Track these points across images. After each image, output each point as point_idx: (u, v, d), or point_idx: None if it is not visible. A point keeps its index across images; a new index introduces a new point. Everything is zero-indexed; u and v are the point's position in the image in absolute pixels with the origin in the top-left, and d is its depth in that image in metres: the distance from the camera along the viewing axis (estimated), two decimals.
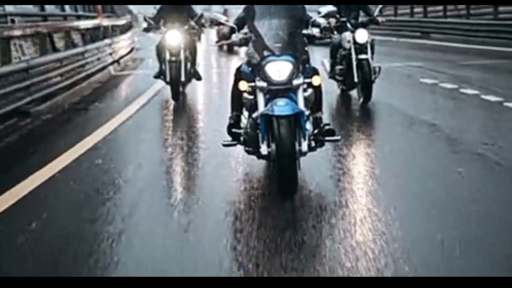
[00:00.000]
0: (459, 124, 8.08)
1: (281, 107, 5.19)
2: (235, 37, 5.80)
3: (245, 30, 5.78)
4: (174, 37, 10.30)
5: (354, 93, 9.85)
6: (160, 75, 10.74)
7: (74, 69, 12.00)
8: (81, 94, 11.59)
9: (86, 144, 7.20)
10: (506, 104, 8.95)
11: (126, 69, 16.62)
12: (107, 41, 16.23)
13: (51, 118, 9.26)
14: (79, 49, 13.28)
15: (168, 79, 10.38)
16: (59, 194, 5.58)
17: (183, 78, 10.38)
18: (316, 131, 5.70)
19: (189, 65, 10.64)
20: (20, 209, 5.08)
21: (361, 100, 9.55)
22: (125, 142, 7.90)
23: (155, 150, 7.29)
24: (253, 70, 5.54)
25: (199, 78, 11.14)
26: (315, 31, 5.77)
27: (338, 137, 5.93)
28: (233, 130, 5.85)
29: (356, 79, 9.41)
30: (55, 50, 12.62)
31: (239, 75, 5.69)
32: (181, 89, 10.62)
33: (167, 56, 10.35)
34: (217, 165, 6.33)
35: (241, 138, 5.77)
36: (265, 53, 5.40)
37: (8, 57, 9.94)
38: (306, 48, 5.65)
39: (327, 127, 5.77)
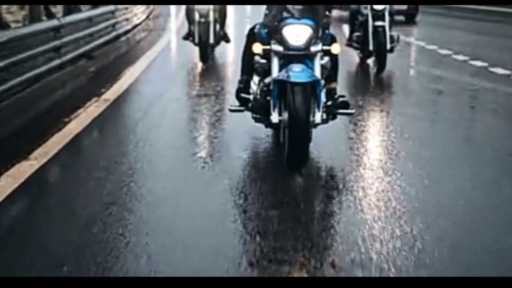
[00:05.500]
0: None
1: (297, 73, 4.83)
2: None
3: None
4: None
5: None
6: (189, 36, 10.44)
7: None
8: None
9: None
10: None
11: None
12: None
13: None
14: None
15: (197, 40, 10.11)
16: None
17: (212, 40, 10.11)
18: (329, 102, 5.35)
19: (218, 26, 10.31)
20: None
21: (375, 69, 9.21)
22: None
23: None
24: (268, 32, 5.16)
25: (228, 40, 10.74)
26: None
27: (352, 111, 5.58)
28: (242, 95, 5.50)
29: (371, 47, 9.05)
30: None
31: (253, 36, 5.31)
32: (210, 50, 10.40)
33: (196, 17, 10.06)
34: None
35: (250, 104, 5.43)
36: (284, 14, 5.03)
37: None
38: (327, 13, 5.26)
39: (341, 99, 5.42)
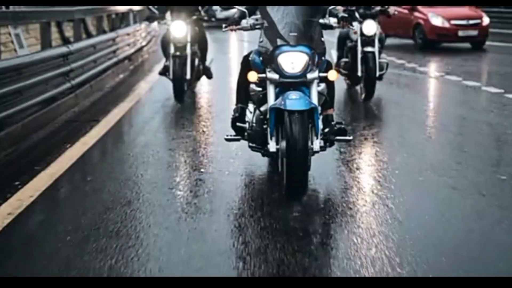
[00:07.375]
0: None
1: (294, 101, 4.75)
2: (246, 22, 5.32)
3: (257, 15, 5.32)
4: (179, 28, 9.04)
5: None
6: (165, 71, 9.38)
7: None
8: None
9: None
10: None
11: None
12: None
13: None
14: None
15: (171, 76, 9.12)
16: None
17: (188, 76, 9.04)
18: (326, 129, 5.28)
19: (197, 60, 9.33)
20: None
21: (363, 96, 9.13)
22: None
23: None
24: (263, 60, 5.09)
25: (209, 76, 9.82)
26: (333, 21, 5.31)
27: (350, 137, 5.51)
28: (238, 124, 5.41)
29: (359, 73, 8.95)
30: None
31: (248, 64, 5.24)
32: (186, 88, 9.26)
33: (172, 50, 9.05)
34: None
35: (246, 133, 5.34)
36: (279, 42, 4.95)
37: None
38: (322, 39, 5.20)
39: (338, 126, 5.36)
